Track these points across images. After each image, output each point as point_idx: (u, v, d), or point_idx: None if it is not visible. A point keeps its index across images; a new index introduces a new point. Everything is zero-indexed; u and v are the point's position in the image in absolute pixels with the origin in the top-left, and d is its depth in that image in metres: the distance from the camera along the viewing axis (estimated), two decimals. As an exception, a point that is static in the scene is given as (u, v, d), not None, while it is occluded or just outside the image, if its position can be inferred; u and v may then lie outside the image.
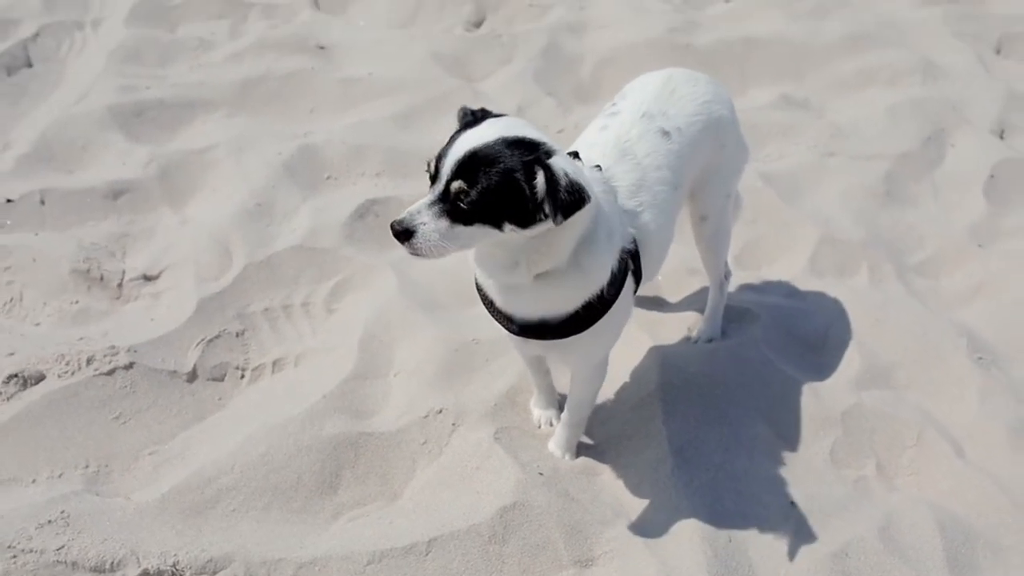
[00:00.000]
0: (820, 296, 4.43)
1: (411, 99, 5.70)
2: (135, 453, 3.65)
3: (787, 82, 6.12)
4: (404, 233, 2.69)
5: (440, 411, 3.71)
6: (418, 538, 3.26)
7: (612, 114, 3.37)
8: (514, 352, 3.84)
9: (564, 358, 3.37)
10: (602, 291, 2.99)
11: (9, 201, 4.74)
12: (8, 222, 4.68)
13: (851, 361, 4.09)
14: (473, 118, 2.85)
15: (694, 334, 4.17)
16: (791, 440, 3.75)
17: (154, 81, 5.76)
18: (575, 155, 3.01)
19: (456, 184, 2.69)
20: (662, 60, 6.10)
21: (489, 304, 3.14)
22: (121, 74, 5.76)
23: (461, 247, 2.78)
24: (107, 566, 3.15)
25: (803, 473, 3.62)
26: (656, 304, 4.42)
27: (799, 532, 3.35)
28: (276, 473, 3.50)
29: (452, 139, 2.76)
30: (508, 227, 2.72)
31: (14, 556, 3.12)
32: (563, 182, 2.65)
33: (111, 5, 6.58)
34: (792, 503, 3.44)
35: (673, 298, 4.45)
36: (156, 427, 3.76)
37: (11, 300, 4.32)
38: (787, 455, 3.68)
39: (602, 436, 3.75)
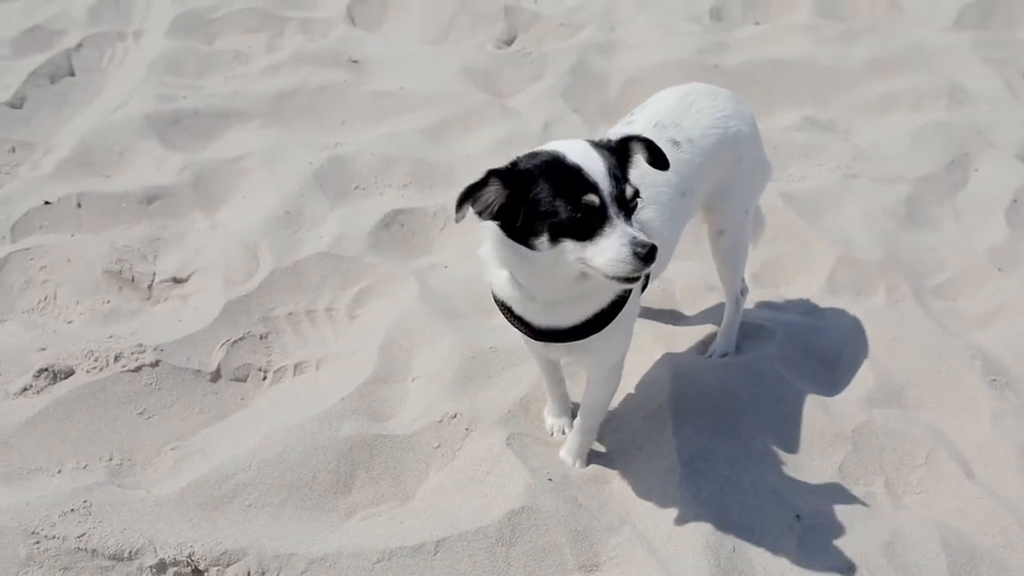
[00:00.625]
0: (836, 314, 4.46)
1: (440, 113, 5.82)
2: (157, 448, 3.76)
3: (812, 104, 6.17)
4: (653, 251, 2.73)
5: (455, 416, 3.79)
6: (427, 538, 3.33)
7: (628, 123, 3.47)
8: (530, 361, 3.92)
9: (581, 359, 3.47)
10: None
11: (47, 203, 4.91)
12: (46, 223, 4.84)
13: (864, 379, 4.11)
14: (549, 156, 2.86)
15: (709, 348, 4.21)
16: (800, 455, 3.78)
17: (191, 91, 5.93)
18: None
19: (630, 189, 2.81)
20: (689, 80, 6.13)
21: (510, 314, 3.21)
22: (160, 84, 5.93)
23: None
24: (125, 554, 3.25)
25: (810, 488, 3.65)
26: (673, 318, 4.47)
27: (803, 545, 3.38)
28: (292, 471, 3.59)
29: (572, 171, 2.77)
30: None
31: (37, 542, 3.23)
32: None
33: (153, 17, 6.78)
34: (797, 516, 3.47)
35: (690, 313, 4.50)
36: (179, 423, 3.87)
37: (45, 298, 4.47)
38: (795, 470, 3.71)
39: (613, 445, 3.81)
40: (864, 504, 3.59)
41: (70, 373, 3.93)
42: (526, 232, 2.84)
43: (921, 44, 6.80)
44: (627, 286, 2.91)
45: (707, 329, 4.35)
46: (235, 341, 4.21)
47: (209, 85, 6.06)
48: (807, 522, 3.47)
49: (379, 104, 5.94)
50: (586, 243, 2.77)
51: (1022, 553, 3.46)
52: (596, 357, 3.41)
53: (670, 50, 6.42)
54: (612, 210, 2.77)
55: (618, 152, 2.94)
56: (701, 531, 3.37)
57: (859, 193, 5.27)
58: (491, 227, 2.95)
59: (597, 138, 3.02)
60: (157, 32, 6.57)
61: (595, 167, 2.79)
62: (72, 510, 3.35)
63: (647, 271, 2.79)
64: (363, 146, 5.46)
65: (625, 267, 2.74)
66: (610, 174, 2.79)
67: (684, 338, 4.30)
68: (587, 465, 3.71)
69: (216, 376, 4.08)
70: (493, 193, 2.81)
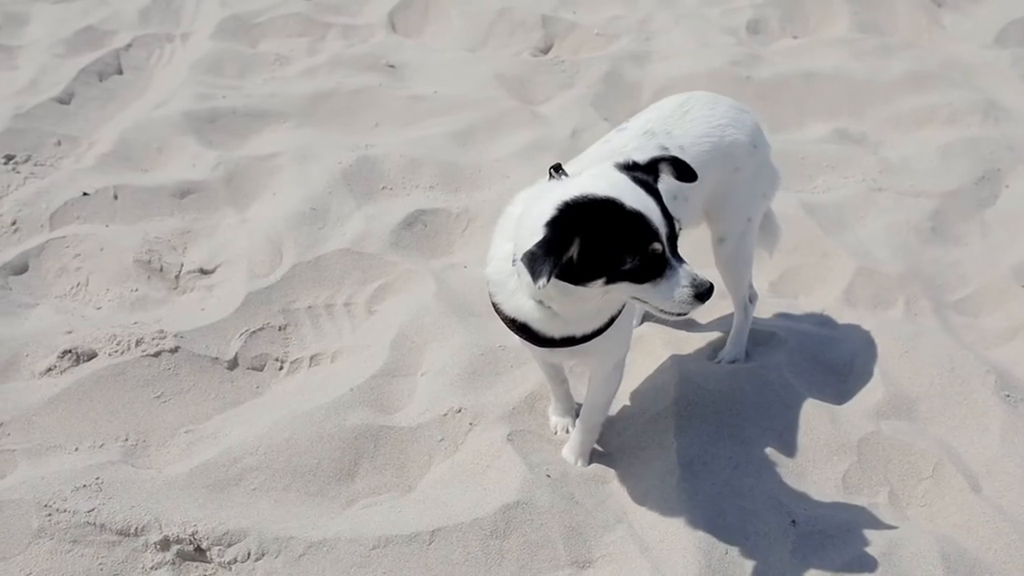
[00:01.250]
0: (851, 325, 4.45)
1: (471, 117, 5.91)
2: (172, 430, 3.88)
3: (845, 117, 6.15)
4: (711, 290, 2.86)
5: (459, 410, 3.86)
6: (423, 527, 3.40)
7: (620, 129, 3.52)
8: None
9: (584, 361, 3.53)
10: None
11: (85, 194, 5.08)
12: (83, 213, 5.01)
13: (874, 390, 4.09)
14: (606, 203, 2.84)
15: (719, 355, 4.23)
16: (803, 463, 3.78)
17: (230, 91, 6.09)
18: (557, 167, 3.13)
19: (678, 227, 2.91)
20: (720, 91, 6.11)
21: (515, 325, 3.23)
22: (200, 83, 6.11)
23: None
24: (132, 530, 3.36)
25: (811, 496, 3.64)
26: (686, 325, 4.49)
27: (797, 551, 3.38)
28: (298, 457, 3.68)
29: (634, 219, 2.79)
30: None
31: (49, 514, 3.36)
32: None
33: (201, 20, 6.99)
34: (793, 522, 3.48)
35: (704, 320, 4.52)
36: (194, 408, 3.99)
37: (78, 285, 4.63)
38: (797, 477, 3.71)
39: (616, 446, 3.84)
40: (864, 514, 3.58)
41: (93, 356, 4.08)
42: (582, 275, 2.85)
43: (959, 60, 6.74)
44: (679, 319, 3.03)
45: (719, 336, 4.36)
46: (254, 331, 4.33)
47: (248, 86, 6.22)
48: (803, 528, 3.47)
49: (412, 107, 6.05)
50: (646, 285, 2.86)
51: None
52: (597, 358, 3.46)
53: (702, 61, 6.44)
54: (669, 252, 2.86)
55: (648, 173, 2.98)
56: (695, 533, 3.39)
57: (884, 206, 5.24)
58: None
59: (623, 160, 3.01)
60: (203, 34, 6.76)
61: (653, 213, 2.83)
62: (84, 486, 3.48)
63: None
64: (393, 147, 5.56)
65: (686, 307, 2.89)
66: (664, 216, 2.86)
67: (694, 344, 4.32)
68: (589, 464, 3.74)
69: (233, 364, 4.19)
70: (573, 250, 2.79)
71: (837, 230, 5.06)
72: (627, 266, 2.80)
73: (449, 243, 4.99)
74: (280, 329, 4.39)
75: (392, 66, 6.48)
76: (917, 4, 7.61)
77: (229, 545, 3.37)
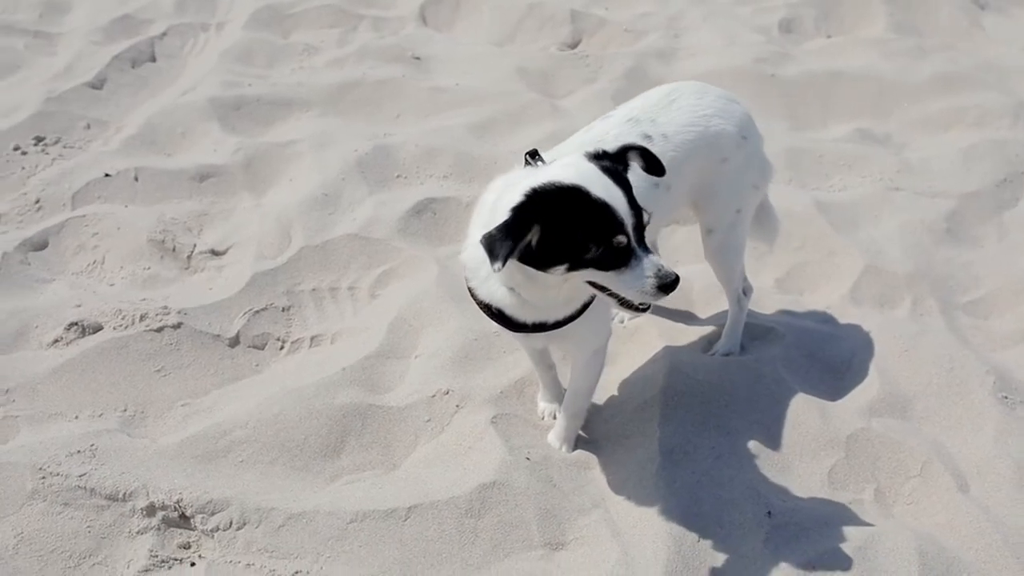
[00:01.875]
0: (853, 324, 4.40)
1: (490, 109, 5.95)
2: (169, 403, 3.99)
3: (870, 117, 6.07)
4: (676, 282, 2.87)
5: (447, 392, 3.91)
6: (400, 504, 3.45)
7: (605, 117, 3.53)
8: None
9: (563, 346, 3.56)
10: None
11: (107, 175, 5.24)
12: (104, 194, 5.16)
13: (869, 387, 4.05)
14: (572, 191, 2.88)
15: (713, 348, 4.22)
16: (789, 457, 3.75)
17: (257, 80, 6.22)
18: (533, 153, 3.16)
19: (646, 215, 2.93)
20: (744, 88, 6.18)
21: (496, 314, 3.28)
22: (228, 72, 6.25)
23: None
24: (120, 495, 3.46)
25: (792, 489, 3.62)
26: (686, 318, 4.49)
27: (769, 541, 3.37)
28: (286, 432, 3.76)
29: (599, 209, 2.82)
30: None
31: (43, 477, 3.48)
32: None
33: (236, 10, 7.13)
34: (769, 513, 3.46)
35: (704, 314, 4.51)
36: (192, 383, 4.09)
37: (94, 262, 4.78)
38: (781, 470, 3.69)
39: (602, 433, 3.86)
40: (844, 509, 3.55)
41: (98, 329, 4.20)
42: (544, 261, 2.90)
43: (996, 63, 6.61)
44: (640, 313, 3.02)
45: (714, 329, 4.35)
46: (257, 311, 4.42)
47: (276, 75, 6.34)
48: (778, 520, 3.45)
49: (434, 99, 6.11)
50: (609, 273, 2.88)
51: (1003, 570, 3.36)
52: (575, 344, 3.49)
53: (728, 58, 6.41)
54: (635, 242, 2.86)
55: (618, 163, 3.02)
56: (669, 520, 3.40)
57: (899, 206, 5.17)
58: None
59: (594, 150, 3.04)
60: (236, 24, 6.91)
61: (620, 203, 2.85)
62: (79, 451, 3.60)
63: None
64: (411, 137, 5.63)
65: (649, 298, 2.90)
66: (631, 206, 2.88)
67: (690, 336, 4.32)
68: (573, 450, 3.76)
69: (235, 342, 4.29)
70: (532, 235, 2.84)
71: (848, 228, 5.01)
72: (590, 255, 2.83)
73: (457, 231, 5.04)
74: (283, 310, 4.48)
75: (418, 58, 6.56)
76: (959, 6, 7.49)
77: (212, 514, 3.46)
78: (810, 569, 3.28)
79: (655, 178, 3.45)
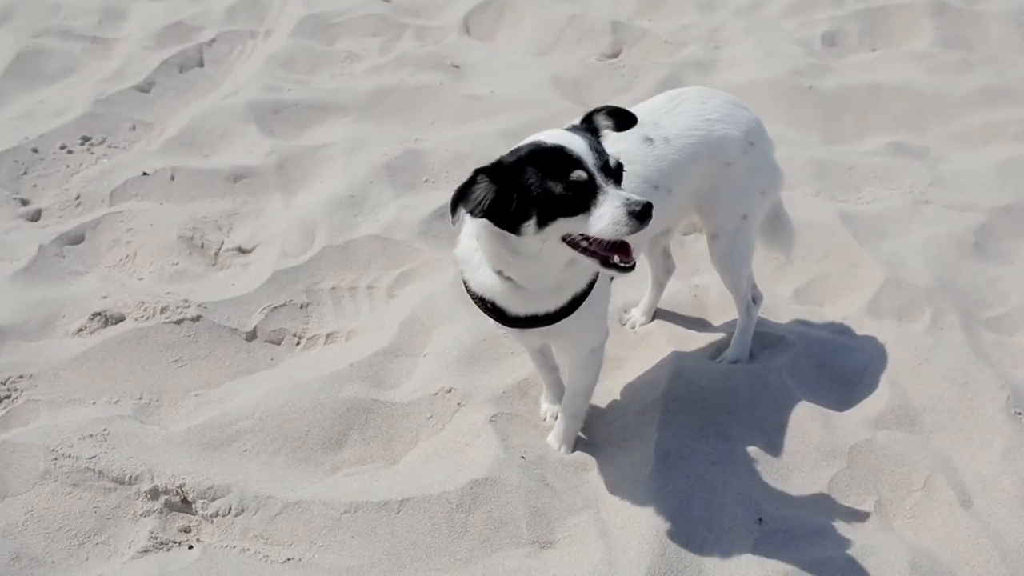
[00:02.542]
0: (869, 336, 4.34)
1: (524, 117, 6.01)
2: (184, 393, 4.11)
3: (907, 131, 5.99)
4: (649, 208, 2.83)
5: (449, 390, 3.96)
6: (393, 496, 3.50)
7: None
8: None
9: (559, 344, 3.59)
10: None
11: (145, 174, 5.42)
12: (141, 191, 5.34)
13: (878, 399, 4.00)
14: (530, 145, 3.00)
15: (722, 355, 4.20)
16: (789, 465, 3.72)
17: (297, 85, 6.37)
18: None
19: (615, 160, 2.94)
20: (780, 100, 6.15)
21: (489, 307, 3.33)
22: (271, 77, 6.41)
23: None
24: (126, 478, 3.58)
25: (788, 497, 3.59)
26: (698, 324, 4.47)
27: (758, 547, 3.34)
28: (290, 423, 3.85)
29: (555, 152, 2.90)
30: None
31: (55, 458, 3.61)
32: None
33: (284, 18, 7.32)
34: (760, 520, 3.43)
35: (717, 322, 4.49)
36: (207, 374, 4.21)
37: (126, 257, 4.94)
38: (779, 479, 3.66)
39: (602, 436, 3.87)
40: (839, 519, 3.51)
41: (121, 319, 4.35)
42: (517, 220, 2.94)
43: (1043, 77, 6.47)
44: (623, 272, 2.97)
45: (724, 337, 4.33)
46: (276, 307, 4.53)
47: (316, 80, 6.49)
48: (769, 527, 3.42)
49: (469, 106, 6.19)
50: (580, 217, 2.88)
51: (998, 587, 3.29)
52: (571, 342, 3.51)
53: (765, 70, 6.38)
54: (600, 180, 2.87)
55: (589, 129, 3.09)
56: (657, 522, 3.40)
57: (927, 219, 5.09)
58: (479, 224, 3.07)
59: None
60: (283, 32, 7.09)
61: (576, 144, 2.90)
62: (91, 435, 3.73)
63: (644, 228, 2.85)
64: (441, 143, 5.71)
65: (623, 228, 2.84)
66: (592, 148, 2.91)
67: (700, 343, 4.30)
68: (573, 451, 3.78)
69: (251, 336, 4.40)
70: (482, 190, 2.92)
71: (873, 241, 4.94)
72: (553, 197, 2.84)
73: (478, 235, 5.09)
74: (302, 307, 4.58)
75: (456, 66, 6.65)
76: (1010, 19, 7.33)
77: (213, 499, 3.55)
78: (796, 576, 3.25)
79: (655, 180, 3.49)
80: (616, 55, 7.00)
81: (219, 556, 3.39)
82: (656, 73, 6.44)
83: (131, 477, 3.59)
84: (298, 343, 4.45)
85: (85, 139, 5.79)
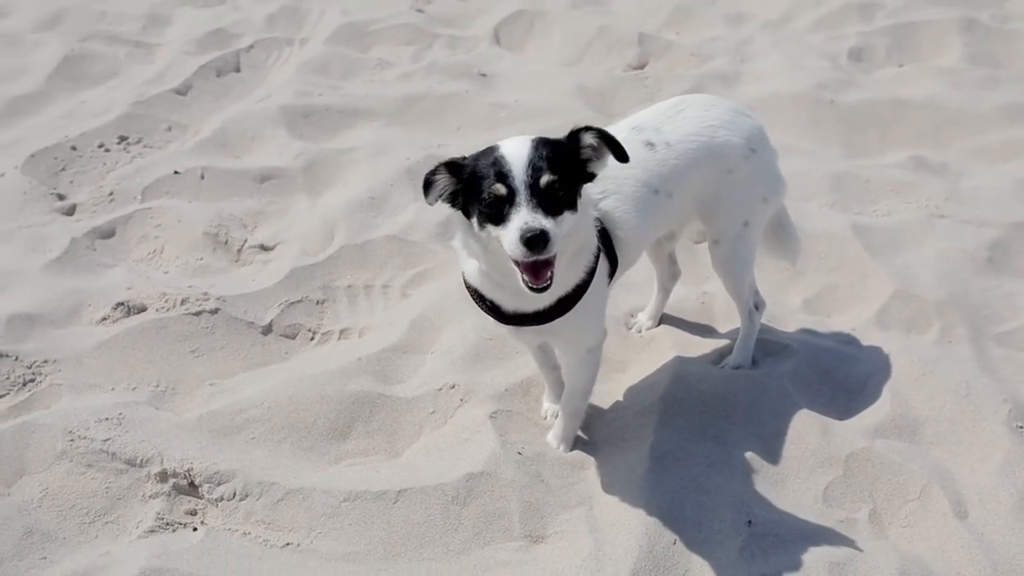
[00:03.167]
0: (874, 346, 4.36)
1: (545, 125, 6.08)
2: (199, 382, 4.25)
3: (929, 146, 5.99)
4: (542, 238, 2.87)
5: (453, 387, 4.05)
6: (391, 487, 3.60)
7: (608, 127, 3.62)
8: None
9: (556, 343, 3.67)
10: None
11: (176, 173, 5.60)
12: (172, 189, 5.52)
13: (879, 409, 4.01)
14: (487, 148, 3.11)
15: (724, 360, 4.24)
16: (785, 471, 3.75)
17: (329, 90, 6.53)
18: None
19: (546, 178, 2.95)
20: (801, 113, 6.18)
21: (481, 299, 3.44)
22: (305, 82, 6.58)
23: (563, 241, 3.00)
24: (137, 461, 3.72)
25: (781, 502, 3.61)
26: (704, 331, 4.52)
27: (745, 549, 3.38)
28: (297, 413, 3.97)
29: (492, 161, 2.98)
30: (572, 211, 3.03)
31: (72, 440, 3.76)
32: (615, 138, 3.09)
33: (321, 26, 7.50)
34: (749, 522, 3.47)
35: (724, 328, 4.53)
36: (223, 365, 4.35)
37: (154, 251, 5.12)
38: (773, 483, 3.69)
39: (601, 436, 3.93)
40: (830, 526, 3.53)
41: (143, 310, 4.51)
42: (465, 211, 3.14)
43: (1072, 95, 6.42)
44: (528, 289, 3.01)
45: (731, 344, 4.36)
46: (292, 303, 4.67)
47: (348, 86, 6.65)
48: (758, 529, 3.46)
49: (494, 114, 6.31)
50: (499, 228, 2.98)
51: (986, 597, 3.30)
52: (567, 342, 3.59)
53: (789, 83, 6.41)
54: (520, 197, 2.93)
55: (569, 143, 3.13)
56: (648, 521, 3.44)
57: (942, 233, 5.09)
58: (452, 211, 3.23)
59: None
60: (319, 39, 7.27)
61: (515, 157, 2.97)
62: (107, 419, 3.88)
63: (538, 257, 2.90)
64: (464, 148, 5.76)
65: (516, 251, 2.91)
66: (530, 164, 2.95)
67: (704, 349, 4.35)
68: (571, 450, 3.85)
69: (267, 330, 4.53)
70: (442, 182, 3.12)
71: (886, 253, 4.95)
72: (480, 203, 2.98)
73: (494, 238, 5.19)
74: (318, 303, 4.71)
75: (484, 75, 6.77)
76: (1044, 37, 7.29)
77: (219, 484, 3.68)
78: (780, 579, 3.29)
79: (656, 185, 3.56)
80: (642, 67, 7.08)
81: (221, 539, 3.50)
82: (680, 85, 6.51)
83: (142, 460, 3.73)
84: (312, 338, 4.58)
85: (122, 138, 5.99)
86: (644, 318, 4.50)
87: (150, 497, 3.65)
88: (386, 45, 7.31)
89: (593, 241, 3.34)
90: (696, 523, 3.48)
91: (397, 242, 5.02)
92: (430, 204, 3.16)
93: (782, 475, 3.75)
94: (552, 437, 3.87)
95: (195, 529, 3.57)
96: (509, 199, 2.94)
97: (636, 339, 4.43)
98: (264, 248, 5.14)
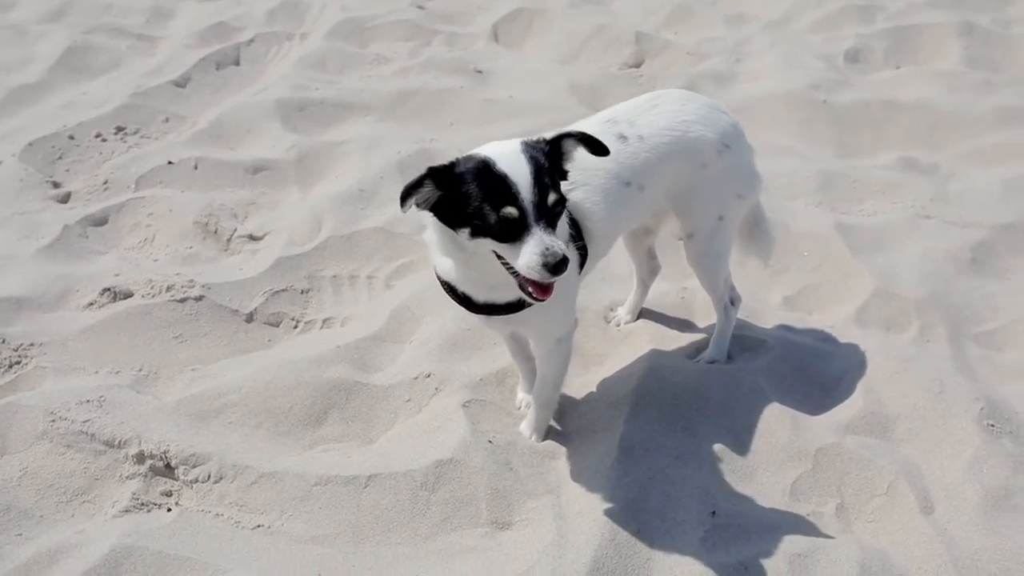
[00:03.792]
0: (852, 344, 4.38)
1: (536, 121, 6.14)
2: (181, 367, 4.31)
3: (919, 148, 6.00)
4: (564, 264, 2.95)
5: (428, 375, 4.10)
6: (361, 472, 3.65)
7: (584, 119, 3.67)
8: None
9: (526, 332, 3.72)
10: None
11: (170, 163, 5.67)
12: (165, 179, 5.59)
13: (851, 405, 4.04)
14: (480, 161, 3.07)
15: (700, 355, 4.28)
16: (754, 464, 3.78)
17: (326, 85, 6.60)
18: None
19: (552, 197, 3.02)
20: (793, 112, 6.21)
21: (452, 292, 3.49)
22: (301, 76, 6.65)
23: None
24: (116, 442, 3.78)
25: (747, 494, 3.65)
26: (683, 325, 4.55)
27: (707, 539, 3.41)
28: (274, 399, 4.02)
29: (498, 180, 2.97)
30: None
31: (53, 420, 3.83)
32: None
33: (321, 21, 7.57)
34: (713, 513, 3.51)
35: (703, 323, 4.56)
36: (206, 351, 4.41)
37: (145, 240, 5.19)
38: (741, 476, 3.72)
39: (574, 427, 3.97)
40: (795, 518, 3.56)
41: (129, 295, 4.58)
42: (451, 221, 3.12)
43: (1068, 99, 6.42)
44: (535, 301, 3.11)
45: (709, 339, 4.40)
46: (277, 291, 4.72)
47: (344, 81, 6.71)
48: (721, 520, 3.49)
49: (487, 110, 6.36)
50: (505, 245, 3.02)
51: (945, 592, 3.32)
52: (537, 332, 3.63)
53: (782, 83, 6.43)
54: (532, 219, 2.98)
55: (552, 150, 3.16)
56: (612, 509, 3.48)
57: (926, 233, 5.11)
58: (429, 215, 3.23)
59: (535, 137, 3.22)
60: (319, 34, 7.33)
61: (521, 176, 2.98)
62: (88, 401, 3.94)
63: (555, 279, 2.99)
64: (455, 143, 5.88)
65: (535, 274, 2.97)
66: (535, 182, 2.98)
67: (680, 343, 4.38)
68: (544, 440, 3.89)
69: (251, 318, 4.59)
70: (428, 191, 3.09)
71: (869, 252, 4.97)
72: (484, 223, 2.99)
73: (481, 232, 5.24)
74: (302, 292, 4.77)
75: (479, 71, 6.82)
76: (1044, 41, 7.29)
77: (193, 466, 3.74)
78: (742, 570, 3.31)
79: (627, 177, 3.59)
80: (639, 65, 7.11)
81: (193, 519, 3.56)
82: (673, 83, 6.53)
83: (120, 441, 3.79)
84: (295, 326, 4.64)
85: (120, 129, 6.07)
86: (623, 312, 4.53)
87: (127, 478, 3.71)
88: (385, 41, 7.37)
89: (564, 232, 3.38)
90: (661, 513, 3.51)
91: (384, 234, 5.07)
92: (403, 212, 3.10)
93: (751, 468, 3.78)
94: (524, 427, 3.91)
95: (169, 510, 3.62)
96: (521, 221, 2.97)
97: (614, 333, 4.47)
98: (253, 238, 5.20)
